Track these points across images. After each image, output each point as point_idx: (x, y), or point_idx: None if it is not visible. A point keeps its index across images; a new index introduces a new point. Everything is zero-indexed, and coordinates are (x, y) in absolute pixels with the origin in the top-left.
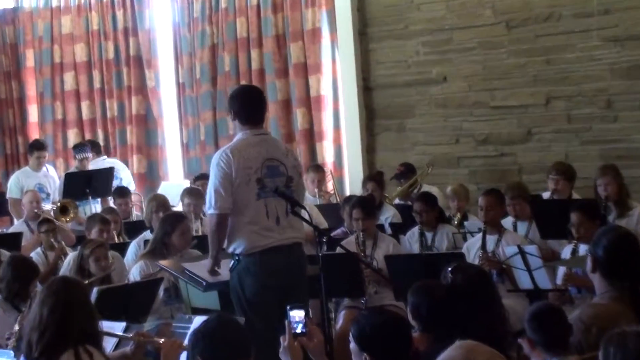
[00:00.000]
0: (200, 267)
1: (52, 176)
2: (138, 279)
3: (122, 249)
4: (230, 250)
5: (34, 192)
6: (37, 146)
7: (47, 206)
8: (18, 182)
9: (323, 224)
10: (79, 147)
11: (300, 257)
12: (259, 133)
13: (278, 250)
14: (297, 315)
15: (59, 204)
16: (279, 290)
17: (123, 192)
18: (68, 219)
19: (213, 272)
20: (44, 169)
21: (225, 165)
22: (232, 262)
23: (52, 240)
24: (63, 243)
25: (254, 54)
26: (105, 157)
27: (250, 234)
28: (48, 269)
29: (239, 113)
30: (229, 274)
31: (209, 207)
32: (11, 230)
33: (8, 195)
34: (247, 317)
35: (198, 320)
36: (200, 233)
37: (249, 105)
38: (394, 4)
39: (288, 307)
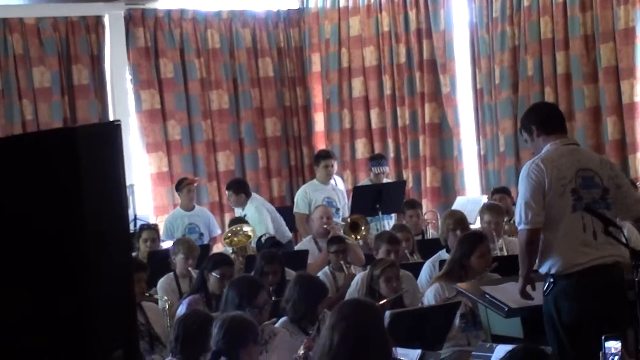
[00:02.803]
0: (502, 291)
1: (340, 190)
2: (433, 302)
3: (415, 269)
4: (544, 270)
5: (324, 207)
6: (324, 155)
7: (337, 222)
8: (306, 196)
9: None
10: (376, 159)
11: (620, 278)
12: (569, 143)
13: (598, 269)
14: (613, 346)
15: (348, 220)
16: (599, 316)
17: (413, 203)
18: (359, 237)
19: (524, 294)
20: (332, 181)
21: (536, 177)
22: (546, 283)
23: (341, 262)
24: (352, 268)
25: (560, 56)
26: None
27: (566, 251)
28: (338, 295)
29: (543, 124)
30: (536, 297)
31: (519, 222)
32: (297, 247)
33: (295, 210)
34: (560, 347)
35: (500, 349)
36: (503, 253)
37: (550, 114)
38: None
39: (603, 338)
